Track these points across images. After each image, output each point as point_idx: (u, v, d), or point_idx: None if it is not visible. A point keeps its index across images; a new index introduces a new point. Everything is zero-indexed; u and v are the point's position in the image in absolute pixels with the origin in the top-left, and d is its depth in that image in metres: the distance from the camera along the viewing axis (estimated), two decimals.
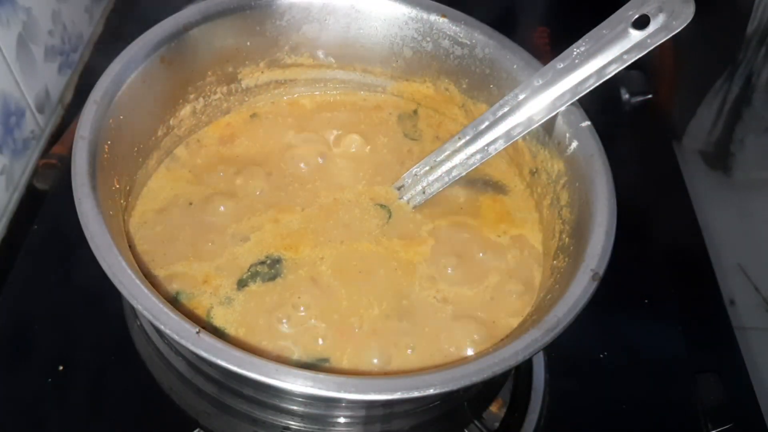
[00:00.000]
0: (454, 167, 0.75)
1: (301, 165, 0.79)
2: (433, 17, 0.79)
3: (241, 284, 0.68)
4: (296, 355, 0.64)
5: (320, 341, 0.65)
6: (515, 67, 0.76)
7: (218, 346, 0.51)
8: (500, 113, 0.71)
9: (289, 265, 0.70)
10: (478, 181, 0.80)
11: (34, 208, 0.88)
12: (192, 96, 0.78)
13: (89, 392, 0.73)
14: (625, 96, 1.10)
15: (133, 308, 0.73)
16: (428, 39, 0.81)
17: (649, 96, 1.10)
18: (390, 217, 0.75)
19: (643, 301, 0.87)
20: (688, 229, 0.97)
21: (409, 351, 0.65)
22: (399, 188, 0.77)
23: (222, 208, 0.74)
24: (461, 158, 0.74)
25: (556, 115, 0.69)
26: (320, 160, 0.80)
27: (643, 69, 1.12)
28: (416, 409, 0.68)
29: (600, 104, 0.68)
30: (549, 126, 0.71)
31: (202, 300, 0.67)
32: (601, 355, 0.81)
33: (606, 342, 0.82)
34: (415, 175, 0.77)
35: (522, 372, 0.77)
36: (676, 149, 1.10)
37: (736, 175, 1.65)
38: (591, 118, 0.70)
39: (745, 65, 1.52)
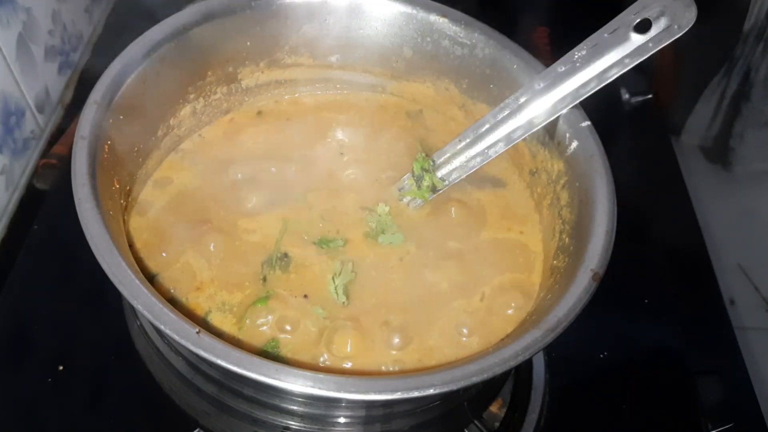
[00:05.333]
0: (454, 170, 0.75)
1: (306, 164, 0.79)
2: (433, 17, 0.79)
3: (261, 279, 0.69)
4: None
5: None
6: (515, 67, 0.76)
7: (218, 346, 0.51)
8: (501, 116, 0.71)
9: (297, 260, 0.71)
10: (479, 181, 0.80)
11: (34, 208, 0.88)
12: (192, 96, 0.78)
13: (89, 392, 0.73)
14: (625, 96, 1.10)
15: (133, 308, 0.73)
16: (428, 39, 0.81)
17: (649, 96, 1.10)
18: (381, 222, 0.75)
19: (643, 301, 0.87)
20: (688, 229, 0.97)
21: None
22: (400, 189, 0.77)
23: (225, 206, 0.74)
24: (461, 161, 0.74)
25: (557, 117, 0.69)
26: (325, 159, 0.80)
27: (643, 69, 1.12)
28: (416, 409, 0.68)
29: (600, 104, 0.68)
30: (549, 126, 0.71)
31: (200, 301, 0.67)
32: (601, 355, 0.81)
33: (606, 342, 0.82)
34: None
35: (522, 372, 0.77)
36: (675, 145, 1.11)
37: (736, 169, 1.66)
38: (591, 118, 0.70)
39: (743, 61, 1.52)
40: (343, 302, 0.68)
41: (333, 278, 0.69)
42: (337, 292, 0.68)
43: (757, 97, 1.56)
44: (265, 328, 0.66)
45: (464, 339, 0.67)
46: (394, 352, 0.66)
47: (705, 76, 1.58)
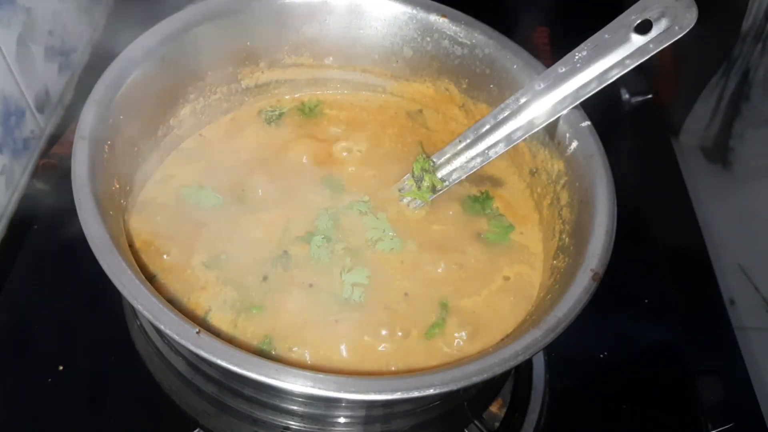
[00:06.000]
0: (454, 170, 0.75)
1: (306, 164, 0.79)
2: (433, 17, 0.79)
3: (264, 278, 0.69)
4: None
5: None
6: (515, 67, 0.76)
7: (218, 346, 0.52)
8: (501, 117, 0.71)
9: (298, 258, 0.71)
10: (479, 181, 0.80)
11: (34, 208, 0.88)
12: (192, 96, 0.78)
13: (89, 392, 0.73)
14: (625, 96, 1.10)
15: (133, 308, 0.73)
16: (428, 39, 0.81)
17: (649, 96, 1.10)
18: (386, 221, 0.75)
19: (643, 301, 0.87)
20: (688, 229, 0.97)
21: None
22: (400, 190, 0.77)
23: (225, 205, 0.74)
24: (461, 161, 0.74)
25: (557, 118, 0.69)
26: (325, 159, 0.80)
27: (642, 69, 1.12)
28: (416, 409, 0.68)
29: (600, 104, 0.68)
30: (549, 127, 0.71)
31: (201, 301, 0.67)
32: (601, 355, 0.81)
33: (606, 342, 0.82)
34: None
35: (522, 372, 0.77)
36: (675, 145, 1.11)
37: (736, 168, 1.66)
38: (591, 118, 0.70)
39: (741, 61, 1.52)
40: (347, 297, 0.68)
41: (341, 273, 0.69)
42: (345, 287, 0.68)
43: (757, 97, 1.56)
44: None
45: (463, 337, 0.67)
46: (385, 348, 0.66)
47: (704, 76, 1.59)
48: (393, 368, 0.65)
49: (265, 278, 0.69)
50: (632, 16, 0.62)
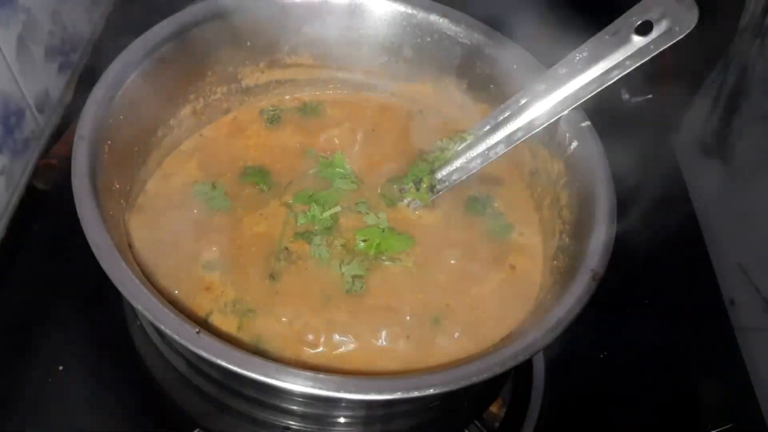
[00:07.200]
0: (454, 171, 0.75)
1: (306, 163, 0.79)
2: (433, 17, 0.79)
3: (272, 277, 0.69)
4: None
5: None
6: (515, 67, 0.76)
7: (218, 346, 0.51)
8: (501, 118, 0.71)
9: (299, 254, 0.71)
10: (478, 181, 0.80)
11: (34, 208, 0.88)
12: (192, 96, 0.78)
13: (89, 392, 0.73)
14: (625, 96, 1.10)
15: (133, 308, 0.73)
16: (428, 39, 0.81)
17: (649, 96, 1.10)
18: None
19: (643, 301, 0.87)
20: (688, 229, 0.97)
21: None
22: (401, 191, 0.77)
23: (226, 206, 0.74)
24: (462, 162, 0.74)
25: (557, 118, 0.69)
26: (327, 159, 0.80)
27: (643, 69, 1.12)
28: (416, 409, 0.68)
29: (600, 104, 0.68)
30: (550, 127, 0.71)
31: (201, 301, 0.67)
32: (601, 355, 0.81)
33: (606, 342, 0.82)
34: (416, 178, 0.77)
35: (522, 372, 0.77)
36: (674, 143, 1.10)
37: (735, 165, 1.65)
38: (591, 118, 0.70)
39: (740, 56, 1.52)
40: (348, 290, 0.68)
41: (340, 265, 0.69)
42: (345, 279, 0.69)
43: (755, 92, 1.56)
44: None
45: (457, 335, 0.67)
46: (383, 344, 0.66)
47: (702, 72, 1.58)
48: (396, 362, 0.65)
49: (268, 277, 0.69)
50: (633, 17, 0.62)
